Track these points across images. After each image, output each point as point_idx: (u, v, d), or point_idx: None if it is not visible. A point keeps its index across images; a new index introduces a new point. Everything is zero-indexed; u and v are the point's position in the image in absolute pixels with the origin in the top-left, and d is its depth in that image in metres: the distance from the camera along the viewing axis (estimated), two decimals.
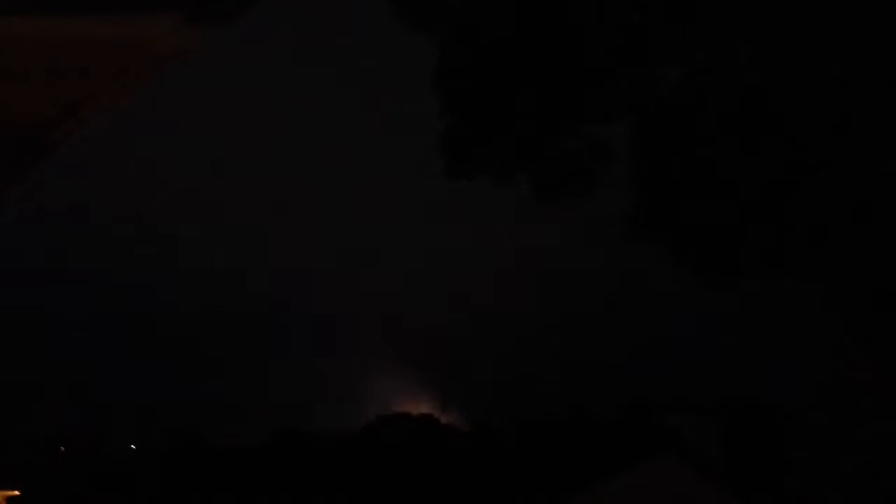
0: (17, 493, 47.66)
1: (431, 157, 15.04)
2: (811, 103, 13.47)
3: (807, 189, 13.49)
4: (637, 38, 13.89)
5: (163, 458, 51.86)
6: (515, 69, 14.12)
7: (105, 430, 58.39)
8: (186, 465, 50.29)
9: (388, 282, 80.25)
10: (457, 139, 14.71)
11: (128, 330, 68.80)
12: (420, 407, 58.85)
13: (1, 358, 56.53)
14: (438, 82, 14.59)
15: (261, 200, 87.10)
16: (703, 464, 24.96)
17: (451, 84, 14.51)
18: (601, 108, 14.54)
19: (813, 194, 13.49)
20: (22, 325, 61.67)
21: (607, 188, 15.25)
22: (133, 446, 57.06)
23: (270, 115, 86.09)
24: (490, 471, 44.81)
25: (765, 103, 13.49)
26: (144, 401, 63.06)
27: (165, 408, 61.54)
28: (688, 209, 14.08)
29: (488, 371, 66.01)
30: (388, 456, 48.40)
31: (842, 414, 13.94)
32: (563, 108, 14.45)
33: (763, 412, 29.21)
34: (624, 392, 49.71)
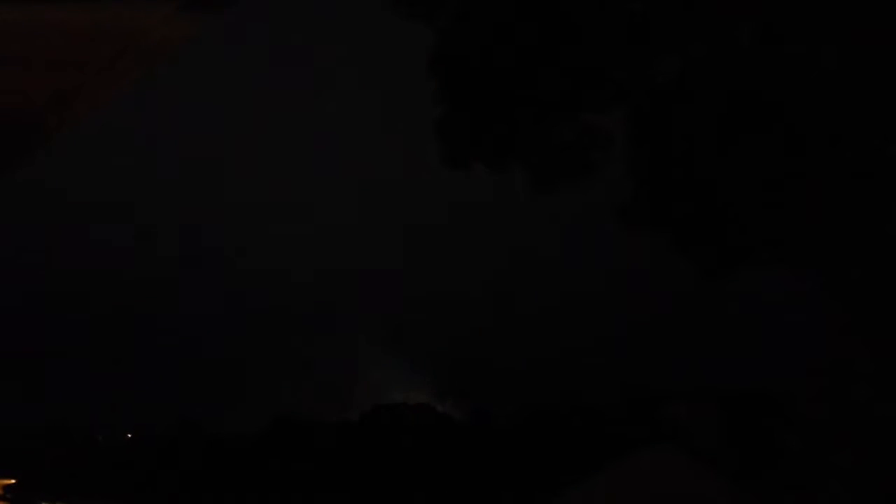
0: (13, 481, 47.66)
1: (428, 147, 14.98)
2: (810, 93, 13.42)
3: (805, 178, 13.45)
4: (635, 28, 13.82)
5: (160, 447, 51.85)
6: (512, 57, 14.05)
7: (102, 418, 58.41)
8: (184, 454, 50.30)
9: (385, 273, 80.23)
10: (453, 127, 14.65)
11: (127, 319, 68.79)
12: (417, 396, 58.90)
13: None
14: (435, 70, 14.52)
15: (260, 195, 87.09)
16: (700, 453, 24.94)
17: (448, 72, 14.43)
18: (598, 97, 14.49)
19: (811, 183, 13.46)
20: (19, 314, 61.64)
21: (605, 177, 15.20)
22: (129, 434, 57.05)
23: (267, 107, 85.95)
24: (487, 460, 44.84)
25: (763, 93, 13.44)
26: (142, 389, 63.14)
27: (163, 396, 61.63)
28: (686, 198, 14.04)
29: (485, 361, 66.06)
30: (385, 445, 48.43)
31: (840, 404, 13.92)
32: (560, 97, 14.39)
33: (761, 402, 29.19)
34: (622, 381, 49.75)
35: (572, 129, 14.88)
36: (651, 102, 14.32)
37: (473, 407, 54.78)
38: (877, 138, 13.49)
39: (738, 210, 13.93)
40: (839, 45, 13.21)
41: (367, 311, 76.53)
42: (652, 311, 60.55)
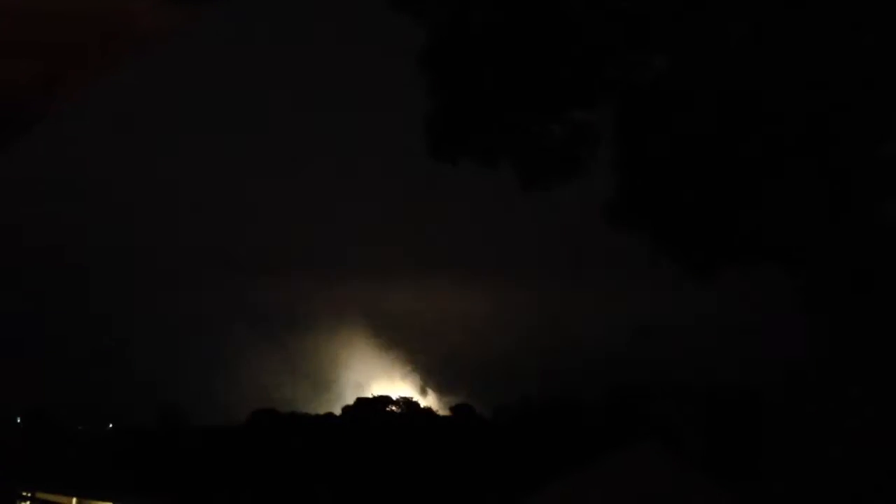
0: None
1: (417, 140, 14.91)
2: (798, 91, 13.41)
3: (790, 177, 13.45)
4: (625, 25, 13.79)
5: (140, 438, 51.68)
6: (503, 52, 14.00)
7: (82, 408, 58.17)
8: (164, 445, 50.14)
9: (369, 265, 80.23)
10: (443, 122, 14.60)
11: (110, 308, 68.59)
12: (399, 390, 58.95)
13: None
14: (426, 64, 14.45)
15: (244, 185, 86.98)
16: (685, 451, 24.99)
17: (439, 66, 14.36)
18: (588, 93, 14.45)
19: (797, 182, 13.45)
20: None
21: (592, 174, 15.17)
22: (111, 425, 56.85)
23: (257, 101, 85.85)
24: (470, 455, 44.84)
25: (751, 92, 13.42)
26: (124, 379, 62.94)
27: (144, 387, 61.44)
28: (671, 195, 14.02)
29: (468, 355, 66.13)
30: (367, 438, 48.41)
31: (826, 403, 13.93)
32: (550, 93, 14.35)
33: (747, 400, 29.26)
34: (607, 378, 49.82)
35: (560, 124, 14.85)
36: (639, 99, 14.30)
37: (457, 401, 54.89)
38: (866, 138, 13.50)
39: (724, 208, 13.93)
40: (829, 45, 13.20)
41: (350, 303, 76.55)
42: (638, 308, 60.72)
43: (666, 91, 13.99)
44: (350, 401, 55.44)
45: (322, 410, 54.16)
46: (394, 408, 54.90)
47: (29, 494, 46.07)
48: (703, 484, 23.62)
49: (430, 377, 63.59)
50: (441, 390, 60.48)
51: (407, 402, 55.85)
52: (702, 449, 25.51)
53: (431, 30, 14.22)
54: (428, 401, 58.36)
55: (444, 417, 53.56)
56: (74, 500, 45.67)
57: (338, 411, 53.92)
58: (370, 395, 56.40)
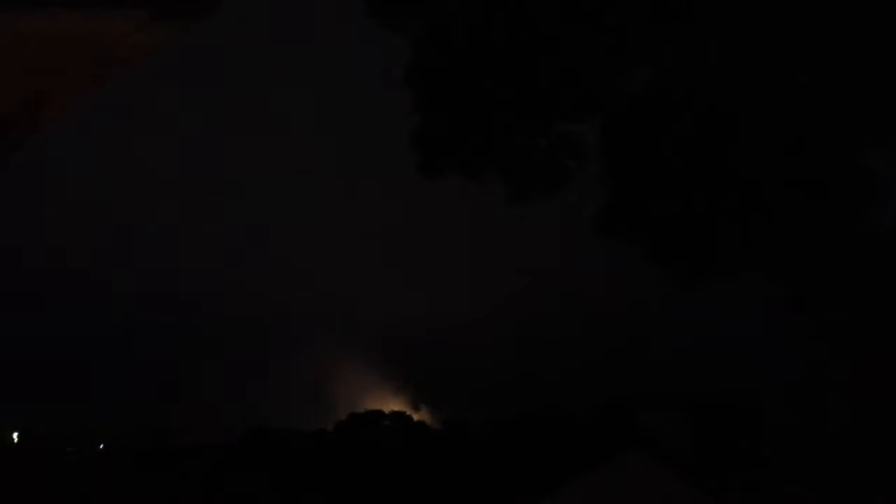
0: None
1: (404, 155, 14.98)
2: (779, 103, 13.52)
3: (777, 188, 13.54)
4: (609, 39, 13.89)
5: (132, 457, 51.48)
6: (489, 67, 14.08)
7: (73, 428, 57.92)
8: (156, 464, 49.97)
9: (361, 280, 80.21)
10: (429, 136, 14.66)
11: (99, 327, 68.37)
12: (392, 405, 58.85)
13: None
14: (412, 79, 14.53)
15: (236, 202, 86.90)
16: (674, 461, 25.02)
17: (425, 81, 14.44)
18: (573, 106, 14.53)
19: (784, 193, 13.54)
20: None
21: (580, 186, 15.25)
22: (101, 445, 56.60)
23: (243, 114, 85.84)
24: (461, 469, 44.80)
25: (733, 103, 13.53)
26: (114, 399, 62.70)
27: (135, 406, 61.23)
28: (658, 207, 14.09)
29: (460, 369, 66.09)
30: (360, 454, 48.32)
31: (813, 413, 14.01)
32: (535, 107, 14.42)
33: (735, 410, 29.33)
34: (597, 389, 49.87)
35: (546, 137, 14.93)
36: (624, 111, 14.39)
37: (449, 415, 54.84)
38: (843, 147, 13.63)
39: (710, 218, 14.01)
40: (809, 53, 13.34)
41: (343, 319, 76.51)
42: (626, 319, 60.78)
43: (649, 104, 14.09)
44: (342, 416, 55.28)
45: (314, 427, 54.03)
46: (386, 422, 54.79)
47: None
48: (692, 494, 23.67)
49: (422, 392, 63.55)
50: (433, 405, 60.43)
51: (399, 417, 55.76)
52: (690, 459, 25.55)
53: (414, 45, 14.33)
54: (420, 415, 58.26)
55: (436, 432, 53.47)
56: None
57: (330, 427, 53.81)
58: (362, 411, 56.25)
